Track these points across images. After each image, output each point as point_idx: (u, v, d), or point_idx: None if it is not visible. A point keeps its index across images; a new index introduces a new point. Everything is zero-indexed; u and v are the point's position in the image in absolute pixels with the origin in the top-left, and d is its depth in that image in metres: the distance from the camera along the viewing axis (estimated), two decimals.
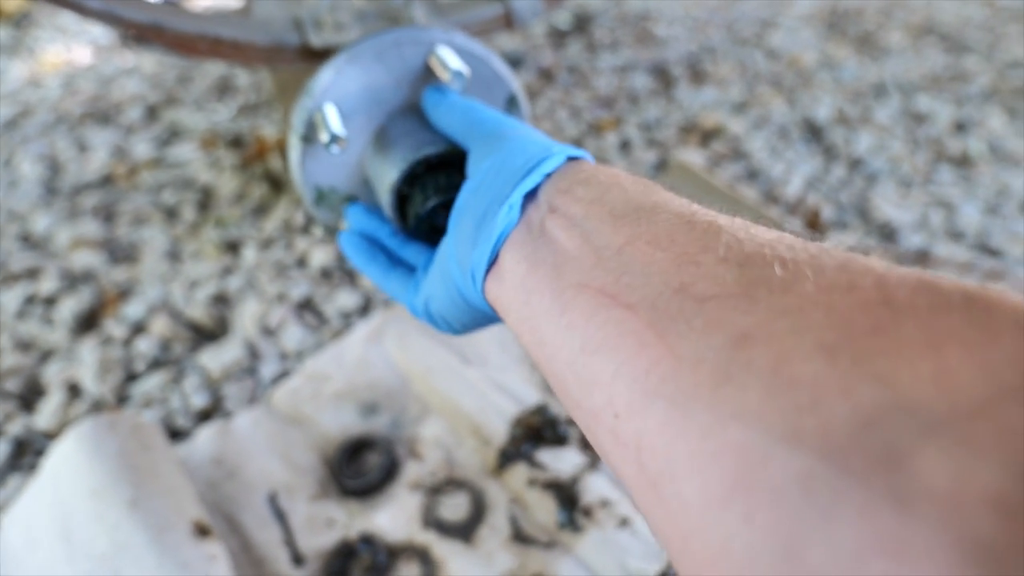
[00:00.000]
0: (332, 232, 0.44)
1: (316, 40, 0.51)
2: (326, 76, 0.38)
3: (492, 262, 0.26)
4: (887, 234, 0.83)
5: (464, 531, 0.50)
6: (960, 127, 1.06)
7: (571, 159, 0.27)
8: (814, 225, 0.83)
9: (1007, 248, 0.81)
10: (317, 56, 0.53)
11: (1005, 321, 0.13)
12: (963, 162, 0.98)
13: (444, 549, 0.49)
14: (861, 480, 0.12)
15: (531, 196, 0.26)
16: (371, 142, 0.40)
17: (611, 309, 0.20)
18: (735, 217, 0.21)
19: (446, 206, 0.36)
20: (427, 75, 0.39)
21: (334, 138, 0.35)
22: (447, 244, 0.30)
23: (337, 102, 0.38)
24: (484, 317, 0.31)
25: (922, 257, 0.80)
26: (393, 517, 0.51)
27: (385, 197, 0.37)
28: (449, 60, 0.37)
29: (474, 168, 0.30)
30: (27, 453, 0.58)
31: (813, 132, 1.03)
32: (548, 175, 0.26)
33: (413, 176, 0.37)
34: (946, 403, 0.12)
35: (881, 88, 1.16)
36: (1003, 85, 1.16)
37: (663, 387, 0.17)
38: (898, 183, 0.93)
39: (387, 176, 0.37)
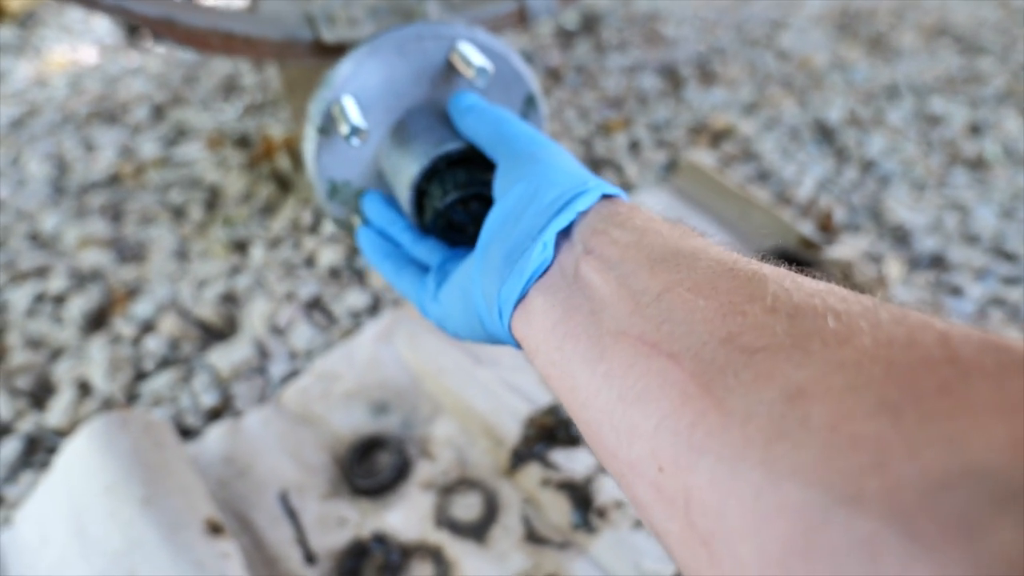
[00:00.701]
0: (344, 227, 0.44)
1: (329, 36, 0.51)
2: (346, 67, 0.38)
3: (520, 299, 0.25)
4: (900, 237, 0.82)
5: (477, 531, 0.49)
6: (975, 129, 1.05)
7: (605, 196, 0.27)
8: (826, 227, 0.82)
9: (1022, 252, 0.80)
10: (330, 52, 0.53)
11: None
12: (978, 165, 0.97)
13: (457, 549, 0.48)
14: (932, 547, 0.12)
15: (564, 233, 0.25)
16: (389, 136, 0.40)
17: (652, 359, 0.19)
18: (775, 265, 0.20)
19: (464, 202, 0.36)
20: (448, 71, 0.39)
21: (355, 130, 0.35)
22: (472, 270, 0.29)
23: (356, 94, 0.38)
24: (499, 342, 0.30)
25: (937, 261, 0.79)
26: (405, 516, 0.50)
27: (403, 192, 0.37)
28: (472, 57, 0.36)
29: (503, 188, 0.29)
30: (39, 450, 0.58)
31: (825, 134, 1.02)
32: (582, 212, 0.26)
33: (432, 172, 0.36)
34: (1023, 472, 0.12)
35: (894, 90, 1.15)
36: (1018, 87, 1.16)
37: (710, 441, 0.16)
38: (911, 185, 0.92)
39: (406, 171, 0.36)
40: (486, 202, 0.36)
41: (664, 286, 0.20)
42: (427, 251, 0.37)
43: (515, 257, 0.26)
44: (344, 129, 0.35)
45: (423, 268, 0.36)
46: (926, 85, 1.17)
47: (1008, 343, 0.14)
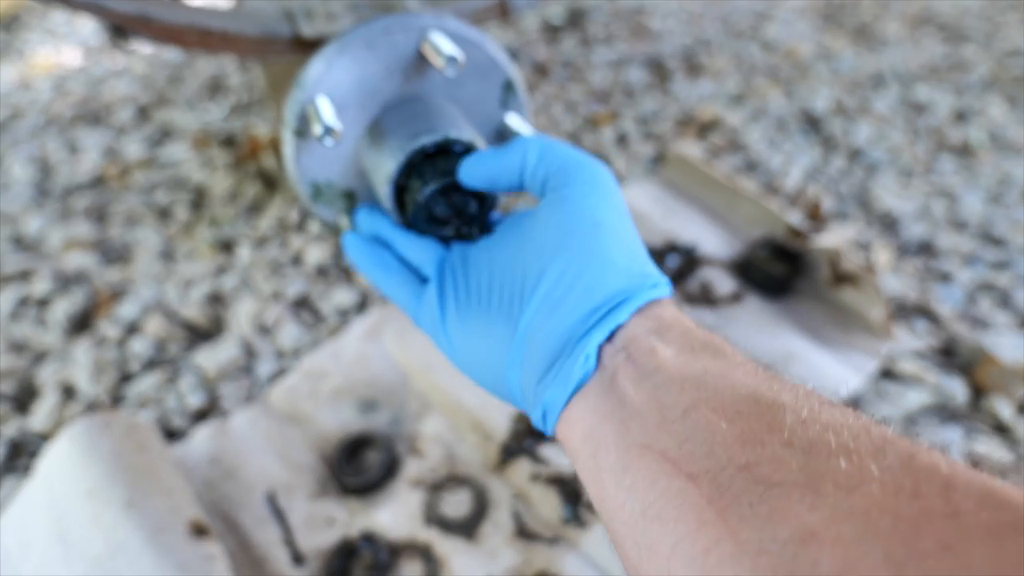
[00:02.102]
0: (331, 228, 0.43)
1: (308, 30, 0.51)
2: (316, 67, 0.37)
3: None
4: (888, 224, 0.82)
5: (467, 528, 0.49)
6: (960, 116, 1.05)
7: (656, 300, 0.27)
8: (815, 216, 0.82)
9: (1010, 237, 0.80)
10: (310, 47, 0.53)
11: None
12: (964, 151, 0.97)
13: (447, 546, 0.48)
14: None
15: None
16: (366, 133, 0.39)
17: (673, 477, 0.20)
18: (795, 385, 0.21)
19: (445, 193, 0.35)
20: (420, 62, 0.38)
21: (328, 130, 0.34)
22: (511, 351, 0.28)
23: (329, 94, 0.37)
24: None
25: (925, 248, 0.79)
26: (394, 515, 0.50)
27: (383, 189, 0.36)
28: (442, 46, 0.36)
29: (550, 247, 0.28)
30: (22, 455, 0.57)
31: (811, 123, 1.02)
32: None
33: (410, 166, 0.36)
34: None
35: (879, 78, 1.15)
36: (1003, 74, 1.16)
37: (723, 570, 0.17)
38: (899, 173, 0.92)
39: (384, 168, 0.36)
40: (466, 192, 0.36)
41: (691, 402, 0.21)
42: (421, 251, 0.35)
43: (558, 360, 0.26)
44: (317, 130, 0.35)
45: (413, 271, 0.35)
46: (911, 73, 1.17)
47: (1008, 497, 0.15)
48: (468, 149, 0.36)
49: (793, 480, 0.17)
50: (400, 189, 0.36)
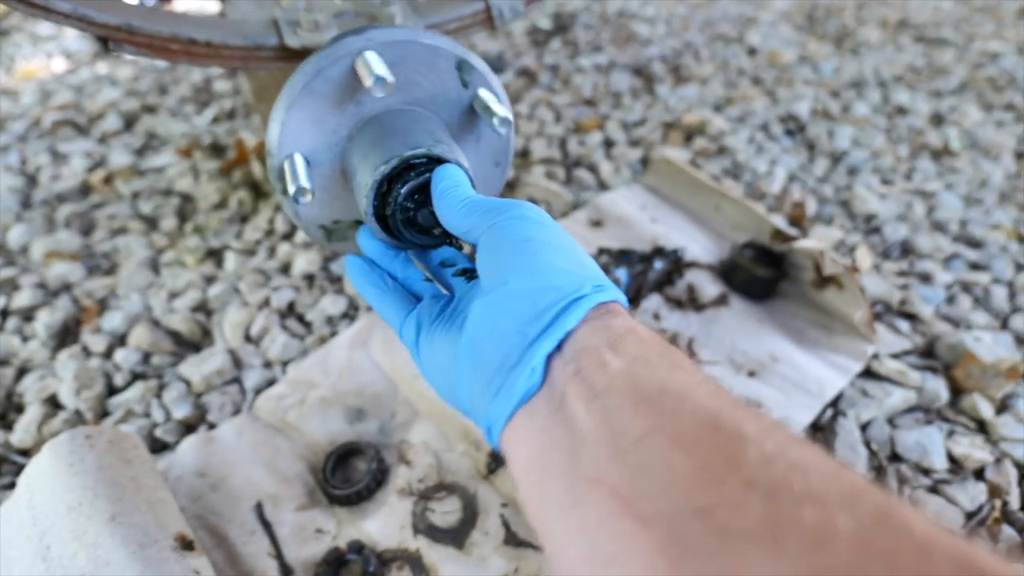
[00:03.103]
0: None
1: (293, 41, 0.51)
2: (274, 131, 0.38)
3: (507, 419, 0.25)
4: (871, 227, 0.83)
5: (456, 536, 0.49)
6: (939, 119, 1.07)
7: (601, 304, 0.26)
8: (799, 220, 0.83)
9: (988, 238, 0.82)
10: (295, 56, 0.53)
11: None
12: (943, 153, 0.99)
13: (436, 555, 0.48)
14: None
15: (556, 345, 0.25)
16: (341, 172, 0.40)
17: (624, 518, 0.18)
18: (759, 414, 0.20)
19: (420, 195, 0.36)
20: (359, 82, 0.38)
21: (299, 191, 0.36)
22: (460, 364, 0.28)
23: (297, 149, 0.39)
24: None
25: (907, 250, 0.80)
26: (383, 524, 0.50)
27: (366, 219, 0.37)
28: (373, 66, 0.36)
29: (492, 273, 0.28)
30: (3, 472, 0.56)
31: (795, 127, 1.04)
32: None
33: (381, 193, 0.36)
34: None
35: (860, 83, 1.17)
36: (979, 77, 1.18)
37: None
38: (880, 176, 0.94)
39: (361, 202, 0.37)
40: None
41: (646, 429, 0.20)
42: (414, 278, 0.37)
43: (504, 372, 0.25)
44: (291, 192, 0.36)
45: (409, 292, 0.36)
46: (891, 78, 1.19)
47: (986, 567, 0.14)
48: (432, 158, 0.36)
49: (753, 530, 0.16)
50: (382, 218, 0.37)
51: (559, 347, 0.25)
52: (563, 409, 0.23)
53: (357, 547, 0.48)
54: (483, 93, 0.41)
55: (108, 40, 0.47)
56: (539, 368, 0.24)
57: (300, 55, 0.53)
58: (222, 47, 0.51)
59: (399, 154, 0.35)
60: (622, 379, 0.22)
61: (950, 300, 0.73)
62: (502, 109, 0.39)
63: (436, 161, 0.36)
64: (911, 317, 0.70)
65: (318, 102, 0.38)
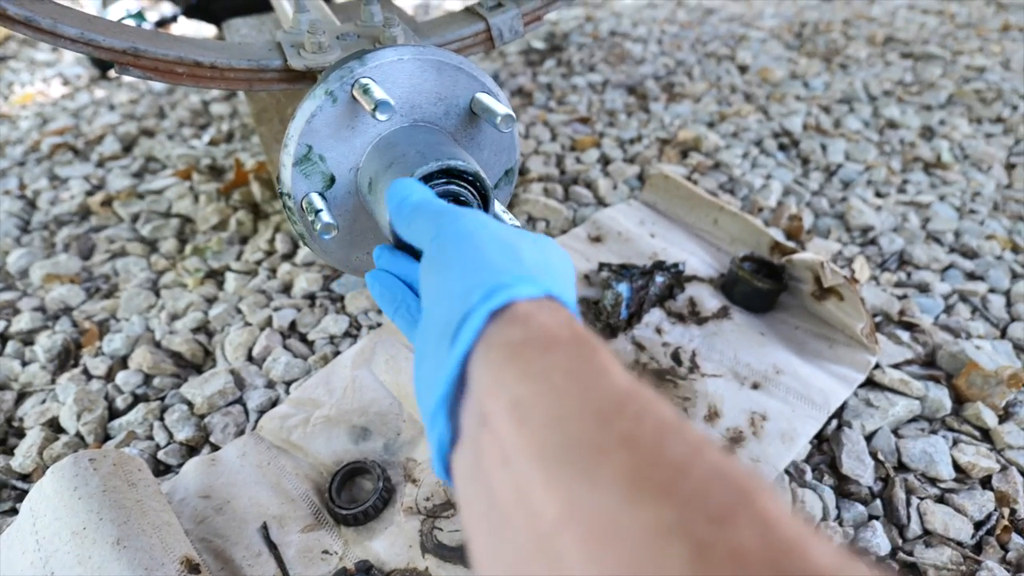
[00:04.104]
0: (288, 211, 0.46)
1: (297, 63, 0.51)
2: (387, 55, 0.39)
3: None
4: (867, 239, 0.84)
5: (465, 555, 0.48)
6: (929, 132, 1.09)
7: (498, 311, 0.23)
8: (796, 233, 0.84)
9: (983, 248, 0.82)
10: (299, 78, 0.53)
11: None
12: (936, 166, 1.00)
13: (445, 574, 0.47)
14: None
15: (465, 376, 0.23)
16: (384, 138, 0.41)
17: None
18: (687, 440, 0.17)
19: (443, 179, 0.37)
20: (468, 112, 0.40)
21: (383, 104, 0.36)
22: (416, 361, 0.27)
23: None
24: None
25: (904, 261, 0.81)
26: (391, 544, 0.49)
27: (379, 195, 0.38)
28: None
29: (422, 278, 0.28)
30: (3, 497, 0.55)
31: (788, 142, 1.05)
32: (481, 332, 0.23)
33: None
34: None
35: (851, 98, 1.19)
36: (966, 91, 1.20)
37: None
38: (874, 188, 0.95)
39: (381, 220, 0.38)
40: (462, 181, 0.37)
41: (559, 514, 0.17)
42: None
43: (428, 423, 0.24)
44: (369, 105, 0.36)
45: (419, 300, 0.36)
46: (881, 93, 1.21)
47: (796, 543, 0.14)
48: (474, 179, 0.37)
49: None
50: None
51: (465, 387, 0.23)
52: (481, 471, 0.21)
53: (365, 567, 0.47)
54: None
55: (115, 63, 0.47)
56: (443, 420, 0.23)
57: (303, 76, 0.53)
58: (227, 69, 0.51)
59: (419, 167, 0.36)
60: (528, 429, 0.19)
61: (949, 310, 0.74)
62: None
63: (451, 172, 0.37)
64: (911, 327, 0.71)
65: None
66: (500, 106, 0.37)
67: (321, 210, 0.39)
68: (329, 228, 0.38)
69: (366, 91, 0.37)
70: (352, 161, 0.41)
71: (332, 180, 0.41)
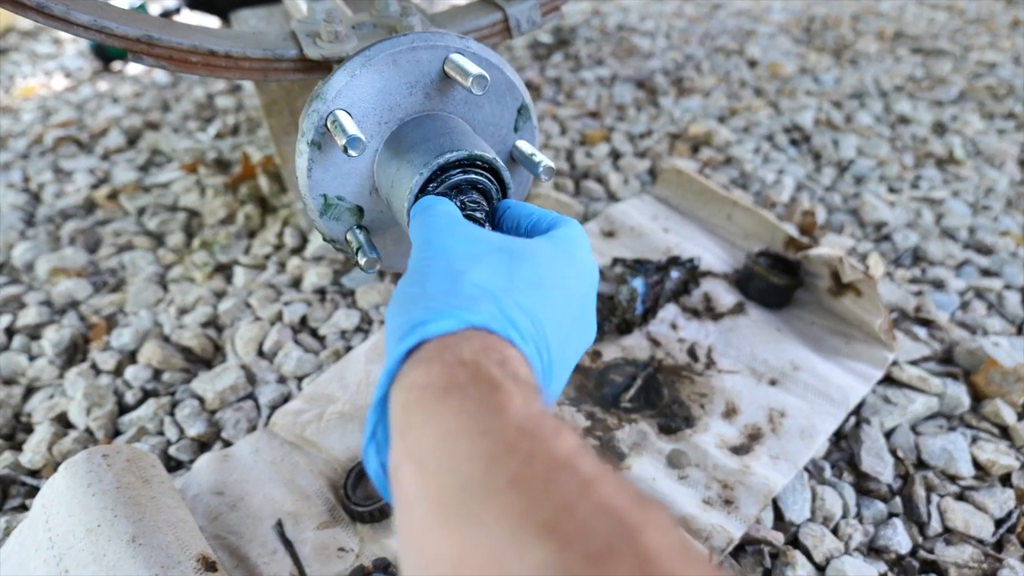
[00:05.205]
0: (336, 246, 0.43)
1: (314, 52, 0.50)
2: (339, 79, 0.37)
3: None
4: (882, 234, 0.84)
5: None
6: (941, 128, 1.08)
7: (412, 349, 0.24)
8: (810, 228, 0.83)
9: (998, 244, 0.82)
10: (314, 68, 0.52)
11: None
12: (948, 161, 0.99)
13: None
14: None
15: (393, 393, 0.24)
16: (384, 149, 0.39)
17: None
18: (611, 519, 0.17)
19: (472, 203, 0.36)
20: (441, 81, 0.38)
21: (352, 141, 0.34)
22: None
23: (349, 107, 0.37)
24: None
25: (918, 257, 0.80)
26: None
27: (402, 204, 0.36)
28: (467, 66, 0.36)
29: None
30: (12, 493, 0.54)
31: (800, 137, 1.04)
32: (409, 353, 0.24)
33: (430, 180, 0.36)
34: None
35: (862, 93, 1.18)
36: (978, 87, 1.20)
37: None
38: (887, 184, 0.94)
39: (406, 183, 0.36)
40: (481, 172, 0.36)
41: (455, 558, 0.18)
42: None
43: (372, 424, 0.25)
44: (341, 140, 0.34)
45: None
46: (892, 88, 1.21)
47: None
48: (490, 167, 0.36)
49: None
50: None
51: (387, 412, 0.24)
52: (397, 512, 0.21)
53: (383, 565, 0.46)
54: (525, 145, 0.42)
55: (128, 51, 0.46)
56: (373, 457, 0.24)
57: (319, 66, 0.52)
58: (241, 58, 0.50)
59: (469, 149, 0.35)
60: (425, 478, 0.20)
61: (964, 306, 0.73)
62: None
63: (447, 168, 0.36)
64: (928, 323, 0.70)
65: (395, 75, 0.38)
66: (467, 72, 0.35)
67: (360, 247, 0.40)
68: (372, 263, 0.39)
69: (336, 125, 0.36)
70: (368, 184, 0.41)
71: (360, 210, 0.41)
